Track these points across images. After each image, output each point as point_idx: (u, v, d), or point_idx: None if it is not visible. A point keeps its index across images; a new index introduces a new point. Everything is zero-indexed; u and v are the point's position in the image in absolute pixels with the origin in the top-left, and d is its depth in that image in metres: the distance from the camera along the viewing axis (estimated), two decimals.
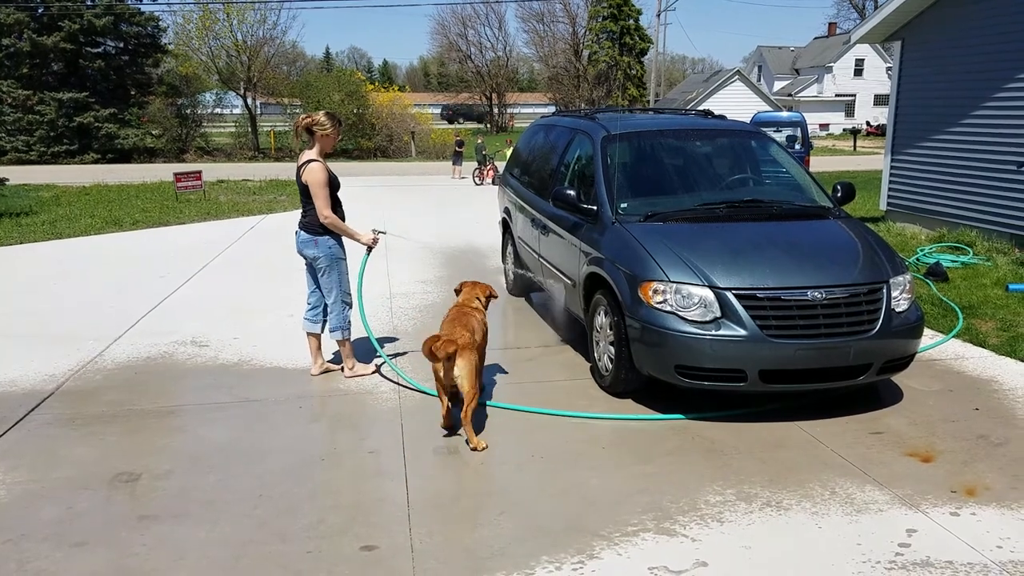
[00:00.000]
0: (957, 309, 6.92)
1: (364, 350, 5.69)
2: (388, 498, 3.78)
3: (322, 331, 5.45)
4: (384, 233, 5.56)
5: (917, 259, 9.08)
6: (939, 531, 3.45)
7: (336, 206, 5.24)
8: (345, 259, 5.34)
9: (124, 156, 31.89)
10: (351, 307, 5.41)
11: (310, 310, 5.41)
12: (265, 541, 3.41)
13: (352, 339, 5.47)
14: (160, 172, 23.34)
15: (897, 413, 4.80)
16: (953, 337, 6.30)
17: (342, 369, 5.49)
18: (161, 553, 3.32)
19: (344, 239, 5.31)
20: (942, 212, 10.77)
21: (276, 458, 4.22)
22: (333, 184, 5.17)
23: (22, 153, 30.48)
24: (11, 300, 7.78)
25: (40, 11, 30.58)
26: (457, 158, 23.85)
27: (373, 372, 5.48)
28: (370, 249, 5.44)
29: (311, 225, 5.19)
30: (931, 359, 5.81)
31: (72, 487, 3.89)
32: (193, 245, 10.94)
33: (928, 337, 6.13)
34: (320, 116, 5.18)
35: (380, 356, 5.53)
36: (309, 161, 5.09)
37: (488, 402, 4.95)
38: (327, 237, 5.20)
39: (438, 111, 60.75)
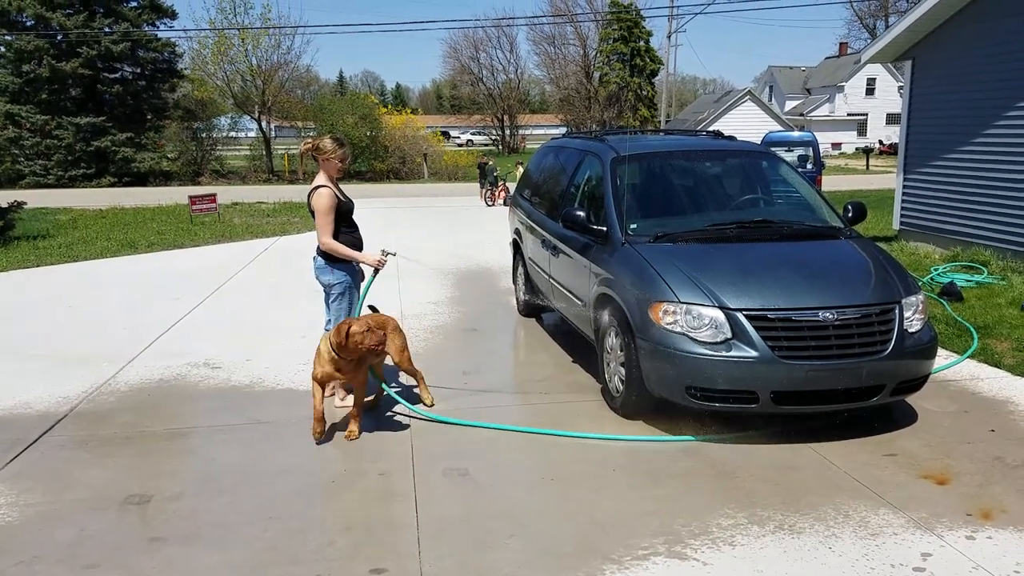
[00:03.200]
0: (972, 329, 6.86)
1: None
2: (398, 520, 3.77)
3: None
4: (394, 255, 5.41)
5: (931, 278, 9.01)
6: (955, 555, 3.40)
7: (353, 229, 5.23)
8: (353, 287, 5.30)
9: (140, 179, 32.24)
10: None
11: None
12: (275, 563, 3.40)
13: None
14: (175, 195, 23.57)
15: (911, 435, 4.75)
16: (968, 357, 6.24)
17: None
18: (172, 575, 3.32)
19: (364, 266, 5.27)
20: (956, 231, 10.71)
21: (287, 480, 4.22)
22: (345, 208, 5.15)
23: (40, 177, 30.86)
24: (27, 322, 7.86)
25: (59, 38, 31.12)
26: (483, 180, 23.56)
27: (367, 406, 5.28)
28: (376, 271, 5.27)
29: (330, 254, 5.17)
30: (946, 380, 5.75)
31: (84, 509, 3.91)
32: (207, 267, 11.03)
33: (942, 357, 6.08)
34: (322, 142, 5.15)
35: (383, 386, 5.23)
36: (319, 187, 5.08)
37: (497, 425, 4.94)
38: (343, 264, 5.19)
39: (454, 133, 61.04)
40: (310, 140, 5.24)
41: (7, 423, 5.08)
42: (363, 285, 5.40)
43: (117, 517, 3.83)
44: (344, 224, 5.21)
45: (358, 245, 5.28)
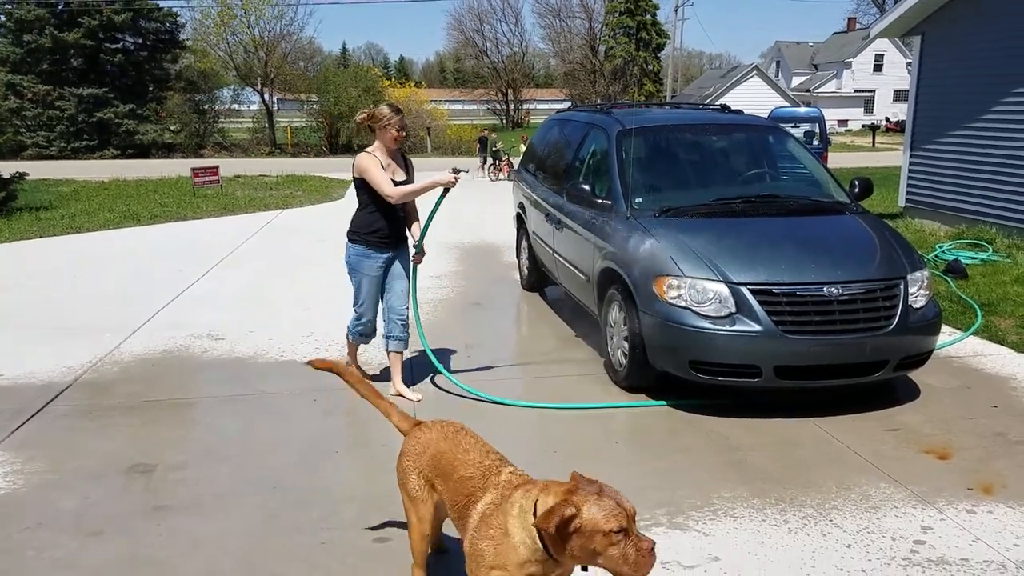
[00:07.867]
0: (976, 306, 6.84)
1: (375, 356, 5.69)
2: None
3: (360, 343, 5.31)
4: (466, 172, 5.20)
5: (936, 256, 8.97)
6: (955, 529, 3.42)
7: (397, 208, 4.92)
8: (365, 274, 4.96)
9: (143, 151, 32.14)
10: (363, 325, 5.14)
11: (354, 319, 5.17)
12: (279, 532, 3.43)
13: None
14: (178, 167, 23.47)
15: (913, 410, 4.76)
16: (971, 334, 6.23)
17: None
18: (175, 543, 3.35)
19: (390, 248, 5.00)
20: (961, 208, 10.64)
21: (290, 450, 4.24)
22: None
23: (42, 148, 30.79)
24: (30, 293, 7.87)
25: (60, 7, 30.86)
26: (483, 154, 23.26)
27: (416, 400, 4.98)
28: (447, 190, 4.99)
29: (349, 230, 4.97)
30: (949, 356, 5.74)
31: (89, 477, 3.93)
32: (210, 239, 11.01)
33: (946, 334, 6.05)
34: (378, 109, 4.84)
35: (431, 357, 5.16)
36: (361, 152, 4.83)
37: (500, 399, 4.94)
38: (352, 245, 4.96)
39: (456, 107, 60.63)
40: (366, 110, 4.93)
41: (11, 392, 5.10)
42: (431, 208, 5.16)
43: (121, 486, 3.85)
44: (383, 202, 4.83)
45: (400, 227, 5.03)
